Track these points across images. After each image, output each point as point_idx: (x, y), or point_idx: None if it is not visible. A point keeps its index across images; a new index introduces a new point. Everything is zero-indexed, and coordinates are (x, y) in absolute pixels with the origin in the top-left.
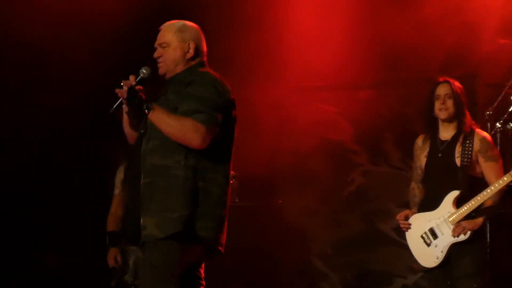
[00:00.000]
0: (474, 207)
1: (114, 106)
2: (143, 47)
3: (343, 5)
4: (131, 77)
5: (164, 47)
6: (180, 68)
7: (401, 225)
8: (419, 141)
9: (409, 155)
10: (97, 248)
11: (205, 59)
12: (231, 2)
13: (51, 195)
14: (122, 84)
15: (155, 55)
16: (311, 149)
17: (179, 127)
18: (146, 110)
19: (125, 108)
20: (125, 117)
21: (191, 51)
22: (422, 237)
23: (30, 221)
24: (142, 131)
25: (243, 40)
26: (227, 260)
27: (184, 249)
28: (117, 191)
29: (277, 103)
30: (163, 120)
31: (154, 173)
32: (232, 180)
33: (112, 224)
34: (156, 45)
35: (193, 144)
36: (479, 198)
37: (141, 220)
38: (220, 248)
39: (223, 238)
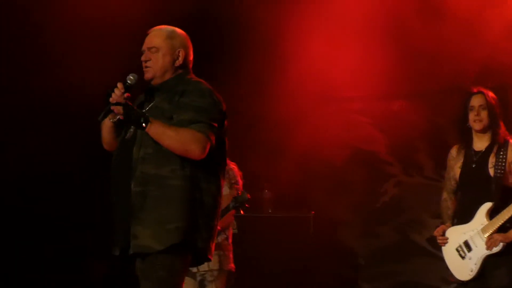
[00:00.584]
0: (506, 218)
1: (103, 113)
2: None
3: (377, 16)
4: (119, 85)
5: (153, 52)
6: (168, 76)
7: (439, 241)
8: (454, 151)
9: (442, 165)
10: None
11: (191, 66)
12: (263, 12)
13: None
14: (109, 92)
15: (143, 58)
16: (344, 160)
17: (178, 139)
18: (143, 124)
19: (112, 116)
20: (108, 124)
21: (180, 59)
22: (457, 250)
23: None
24: (126, 137)
25: (276, 51)
26: (260, 270)
27: (185, 260)
28: None
29: (311, 114)
30: (162, 132)
31: (145, 182)
32: (265, 191)
33: None
34: (144, 48)
35: (193, 155)
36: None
37: (131, 229)
38: (210, 257)
39: (213, 246)
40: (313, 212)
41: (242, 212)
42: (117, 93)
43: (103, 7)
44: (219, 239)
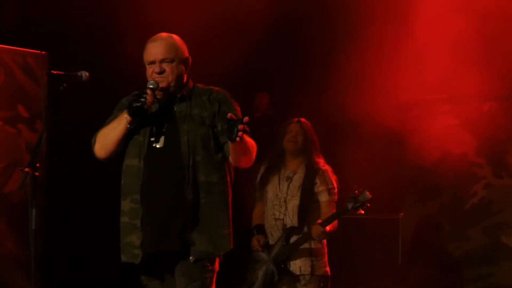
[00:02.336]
0: None
1: (136, 107)
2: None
3: (467, 17)
4: (149, 91)
5: (167, 62)
6: (181, 83)
7: None
8: None
9: None
10: None
11: None
12: (352, 15)
13: None
14: (142, 100)
15: (157, 70)
16: (433, 162)
17: (254, 149)
18: (239, 138)
19: (127, 117)
20: (123, 130)
21: (188, 65)
22: None
23: None
24: (158, 146)
25: (366, 54)
26: (350, 272)
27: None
28: (257, 193)
29: (400, 116)
30: (248, 143)
31: (198, 189)
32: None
33: (257, 219)
34: (153, 59)
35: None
36: None
37: (185, 235)
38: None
39: None
40: (402, 214)
41: (362, 211)
42: (150, 99)
43: None
44: (312, 244)
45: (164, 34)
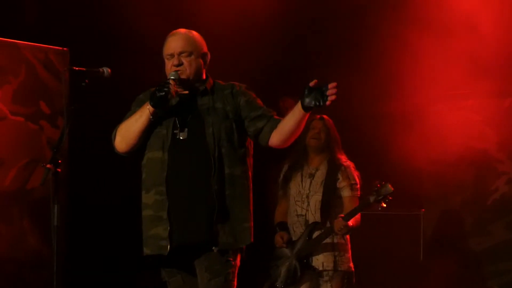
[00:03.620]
0: None
1: (161, 95)
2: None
3: (488, 13)
4: (172, 81)
5: (185, 56)
6: (200, 77)
7: None
8: None
9: None
10: None
11: None
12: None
13: None
14: (166, 89)
15: (175, 62)
16: (455, 158)
17: None
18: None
19: (150, 109)
20: (146, 122)
21: (207, 61)
22: None
23: None
24: (181, 138)
25: (387, 52)
26: (371, 268)
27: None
28: (281, 191)
29: (422, 112)
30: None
31: (223, 181)
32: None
33: (280, 217)
34: (172, 53)
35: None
36: None
37: (206, 226)
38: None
39: None
40: (423, 210)
41: (384, 204)
42: (172, 87)
43: None
44: (335, 239)
45: (182, 30)
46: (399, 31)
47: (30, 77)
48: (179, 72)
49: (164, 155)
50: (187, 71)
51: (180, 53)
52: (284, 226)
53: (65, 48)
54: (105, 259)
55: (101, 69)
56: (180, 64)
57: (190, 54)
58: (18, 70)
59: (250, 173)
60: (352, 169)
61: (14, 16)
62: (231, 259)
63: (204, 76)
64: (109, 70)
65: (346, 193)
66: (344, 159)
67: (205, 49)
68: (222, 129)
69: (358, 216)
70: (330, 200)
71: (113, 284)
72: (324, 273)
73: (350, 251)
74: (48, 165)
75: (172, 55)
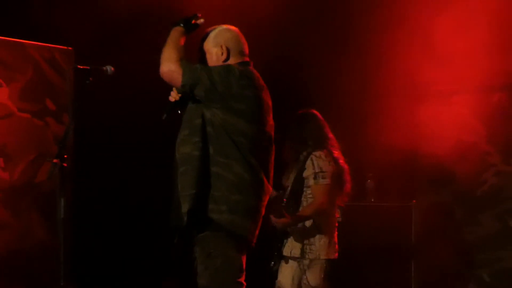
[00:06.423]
0: None
1: (166, 111)
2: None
3: (482, 11)
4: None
5: (204, 53)
6: None
7: None
8: None
9: None
10: None
11: (246, 59)
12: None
13: None
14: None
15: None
16: (445, 151)
17: (167, 50)
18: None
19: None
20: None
21: (224, 54)
22: None
23: None
24: None
25: (380, 47)
26: (362, 257)
27: (231, 246)
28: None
29: (414, 107)
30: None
31: (185, 161)
32: (368, 181)
33: None
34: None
35: (161, 66)
36: None
37: (182, 208)
38: (244, 235)
39: (246, 224)
40: (414, 201)
41: None
42: (173, 94)
43: None
44: (307, 227)
45: (209, 28)
46: (389, 30)
47: (36, 75)
48: None
49: None
50: None
51: (199, 50)
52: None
53: (70, 48)
54: (110, 250)
55: (104, 68)
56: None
57: (206, 52)
58: (25, 68)
59: (207, 145)
60: (320, 158)
61: (22, 17)
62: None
63: None
64: (112, 68)
65: (310, 182)
66: (321, 152)
67: (222, 42)
68: (187, 113)
69: (308, 211)
70: (299, 190)
71: (118, 274)
72: (291, 259)
73: (328, 240)
74: (55, 160)
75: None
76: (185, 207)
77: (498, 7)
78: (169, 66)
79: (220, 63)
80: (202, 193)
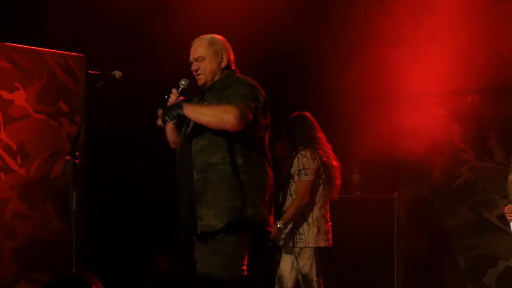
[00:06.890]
0: None
1: (164, 118)
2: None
3: (451, 15)
4: (173, 90)
5: (200, 61)
6: (217, 77)
7: (508, 217)
8: None
9: (511, 152)
10: None
11: (234, 67)
12: (344, 18)
13: None
14: (166, 98)
15: (193, 68)
16: (424, 148)
17: (212, 113)
18: (179, 110)
19: (173, 118)
20: (170, 126)
21: (225, 61)
22: None
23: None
24: (186, 133)
25: (355, 50)
26: (348, 247)
27: (246, 235)
28: None
29: (396, 109)
30: (198, 111)
31: (205, 170)
32: (354, 175)
33: None
34: (191, 59)
35: (229, 125)
36: None
37: (196, 212)
38: (269, 229)
39: (271, 220)
40: (396, 194)
41: None
42: (173, 98)
43: None
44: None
45: (201, 36)
46: (367, 32)
47: (51, 80)
48: (198, 78)
49: (178, 149)
50: (203, 76)
51: (196, 60)
52: None
53: (81, 54)
54: (119, 239)
55: (113, 73)
56: (196, 69)
57: (204, 59)
58: (41, 74)
59: (236, 158)
60: (305, 156)
61: (38, 28)
62: (225, 238)
63: (219, 75)
64: (120, 73)
65: (295, 178)
66: (307, 151)
67: (220, 49)
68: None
69: (291, 209)
70: (286, 185)
71: (127, 263)
72: (296, 249)
73: (317, 229)
74: (67, 157)
75: (191, 62)
76: (223, 220)
77: (473, 11)
78: (230, 117)
79: (219, 69)
80: (240, 203)
